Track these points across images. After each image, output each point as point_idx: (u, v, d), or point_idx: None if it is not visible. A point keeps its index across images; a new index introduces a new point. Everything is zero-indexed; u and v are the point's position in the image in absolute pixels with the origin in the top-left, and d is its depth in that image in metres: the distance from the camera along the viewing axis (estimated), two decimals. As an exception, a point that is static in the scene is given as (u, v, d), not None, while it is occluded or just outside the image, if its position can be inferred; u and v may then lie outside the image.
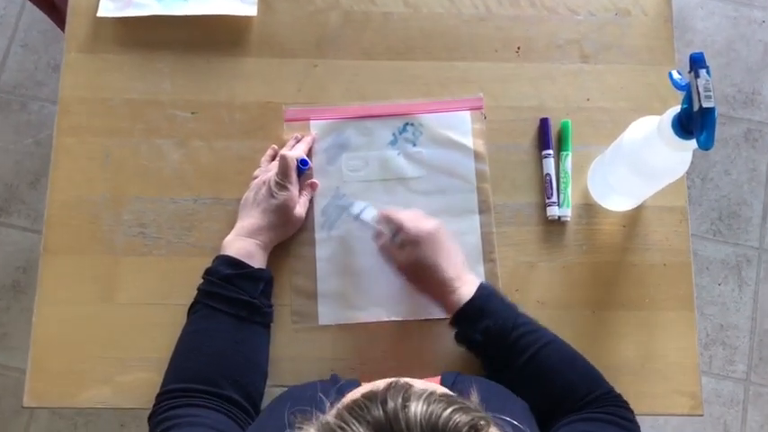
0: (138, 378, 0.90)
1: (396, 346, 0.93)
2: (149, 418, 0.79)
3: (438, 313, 0.93)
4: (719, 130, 1.93)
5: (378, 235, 0.90)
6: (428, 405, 0.46)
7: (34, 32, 1.92)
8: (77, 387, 0.90)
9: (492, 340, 0.81)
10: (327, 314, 0.94)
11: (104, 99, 0.99)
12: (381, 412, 0.46)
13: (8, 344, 1.72)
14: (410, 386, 0.49)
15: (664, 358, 0.94)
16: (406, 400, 0.46)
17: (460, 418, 0.45)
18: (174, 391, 0.79)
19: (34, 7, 1.54)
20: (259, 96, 1.00)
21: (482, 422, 0.46)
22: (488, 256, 0.96)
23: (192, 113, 0.99)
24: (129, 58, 1.01)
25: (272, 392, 0.88)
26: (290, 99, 1.00)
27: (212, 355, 0.82)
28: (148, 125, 0.99)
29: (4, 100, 1.87)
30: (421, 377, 0.92)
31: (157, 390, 0.81)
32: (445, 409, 0.46)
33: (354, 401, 0.48)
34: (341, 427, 0.45)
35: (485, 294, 0.84)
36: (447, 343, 0.93)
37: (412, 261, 0.85)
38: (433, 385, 0.52)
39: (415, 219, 0.87)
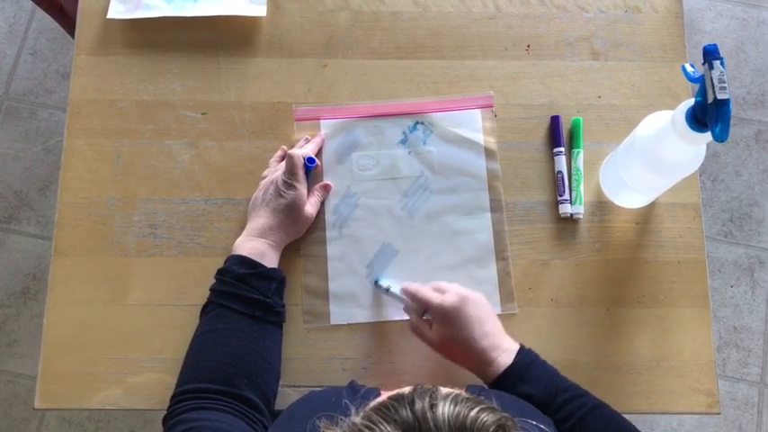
0: (149, 379, 0.90)
1: (407, 346, 0.92)
2: (164, 420, 0.78)
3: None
4: (729, 132, 1.92)
5: (407, 311, 0.88)
6: (455, 405, 0.46)
7: (43, 41, 1.93)
8: (89, 388, 0.90)
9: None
10: (339, 314, 0.93)
11: (114, 101, 1.00)
12: (409, 412, 0.46)
13: (18, 351, 1.72)
14: (436, 389, 0.49)
15: (679, 356, 0.93)
16: (434, 400, 0.47)
17: (488, 417, 0.46)
18: (189, 392, 0.78)
19: (44, 15, 1.56)
20: (269, 96, 1.00)
21: (509, 423, 0.47)
22: (501, 255, 0.95)
23: (203, 114, 0.99)
24: (139, 59, 1.01)
25: (283, 392, 0.88)
26: (300, 99, 1.00)
27: (227, 355, 0.81)
28: (158, 126, 0.99)
29: (14, 107, 1.88)
30: (433, 375, 0.92)
31: (170, 390, 0.81)
32: (472, 409, 0.46)
33: (381, 403, 0.48)
34: (368, 427, 0.46)
35: (524, 362, 0.80)
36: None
37: (444, 339, 0.82)
38: (458, 390, 0.52)
39: (440, 294, 0.84)
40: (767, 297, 1.83)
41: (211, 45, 1.02)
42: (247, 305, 0.83)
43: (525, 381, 0.78)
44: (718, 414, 0.92)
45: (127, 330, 0.91)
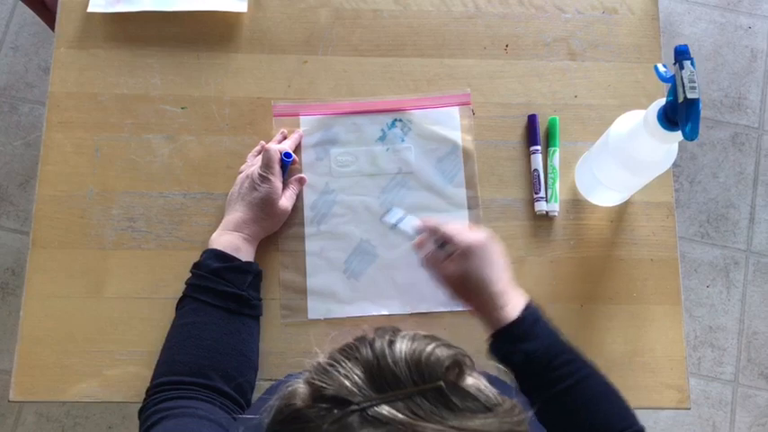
0: (126, 372, 0.90)
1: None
2: (140, 413, 0.79)
3: (423, 307, 0.94)
4: (707, 134, 1.95)
5: (419, 245, 0.89)
6: (412, 342, 0.49)
7: (25, 35, 1.91)
8: (65, 381, 0.90)
9: (533, 364, 0.78)
10: (316, 309, 0.94)
11: (94, 94, 1.00)
12: (369, 350, 0.48)
13: (-4, 346, 1.71)
14: (398, 329, 0.51)
15: (651, 352, 0.94)
16: (393, 339, 0.49)
17: (443, 352, 0.48)
18: (164, 384, 0.79)
19: (25, 10, 1.55)
20: (249, 92, 1.01)
21: (465, 360, 0.49)
22: (477, 251, 0.96)
23: (182, 108, 0.99)
24: (119, 53, 1.01)
25: (261, 386, 0.89)
26: (280, 95, 1.01)
27: (202, 348, 0.82)
28: (138, 120, 0.99)
29: (-6, 102, 1.86)
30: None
31: (146, 383, 0.81)
32: (428, 344, 0.48)
33: (345, 344, 0.51)
34: (331, 365, 0.48)
35: (532, 315, 0.81)
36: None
37: (460, 273, 0.82)
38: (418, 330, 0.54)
39: (463, 230, 0.85)
40: (742, 297, 1.85)
41: (192, 40, 1.02)
42: (222, 298, 0.84)
43: (529, 337, 0.79)
44: (688, 409, 0.94)
45: (104, 323, 0.92)
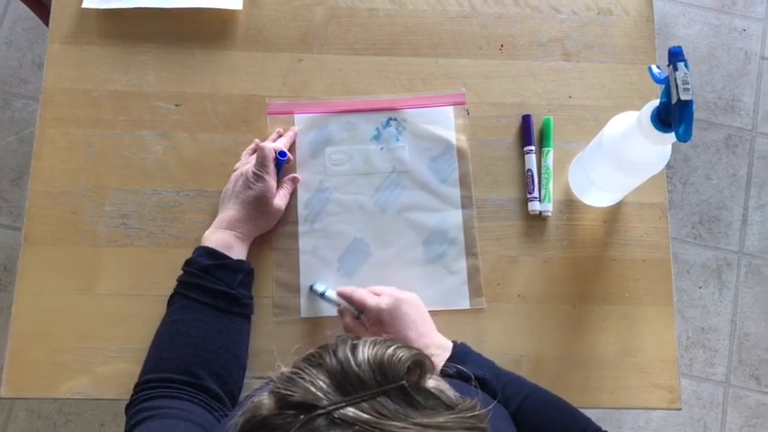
0: (118, 369, 0.90)
1: (377, 339, 0.93)
2: (127, 408, 0.79)
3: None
4: (700, 136, 1.96)
5: (342, 313, 0.90)
6: (374, 346, 0.50)
7: (19, 29, 1.91)
8: (57, 378, 0.89)
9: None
10: (309, 307, 0.94)
11: (88, 90, 0.99)
12: (333, 357, 0.50)
13: (-13, 342, 1.70)
14: (358, 337, 0.53)
15: (643, 352, 0.95)
16: (355, 344, 0.51)
17: (404, 353, 0.50)
18: (151, 382, 0.79)
19: (19, 5, 1.54)
20: (243, 89, 1.00)
21: (426, 361, 0.51)
22: (471, 251, 0.96)
23: (176, 105, 0.99)
24: (113, 49, 1.01)
25: (253, 384, 0.89)
26: (275, 93, 1.01)
27: (190, 346, 0.82)
28: (132, 117, 0.99)
29: (-12, 97, 1.86)
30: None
31: (136, 380, 0.81)
32: (389, 347, 0.50)
33: (308, 353, 0.52)
34: (296, 374, 0.49)
35: (461, 351, 0.83)
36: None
37: None
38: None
39: (375, 296, 0.87)
40: (734, 298, 1.86)
41: (187, 37, 1.02)
42: (211, 296, 0.84)
43: (467, 367, 0.79)
44: (679, 410, 0.94)
45: (96, 320, 0.91)
